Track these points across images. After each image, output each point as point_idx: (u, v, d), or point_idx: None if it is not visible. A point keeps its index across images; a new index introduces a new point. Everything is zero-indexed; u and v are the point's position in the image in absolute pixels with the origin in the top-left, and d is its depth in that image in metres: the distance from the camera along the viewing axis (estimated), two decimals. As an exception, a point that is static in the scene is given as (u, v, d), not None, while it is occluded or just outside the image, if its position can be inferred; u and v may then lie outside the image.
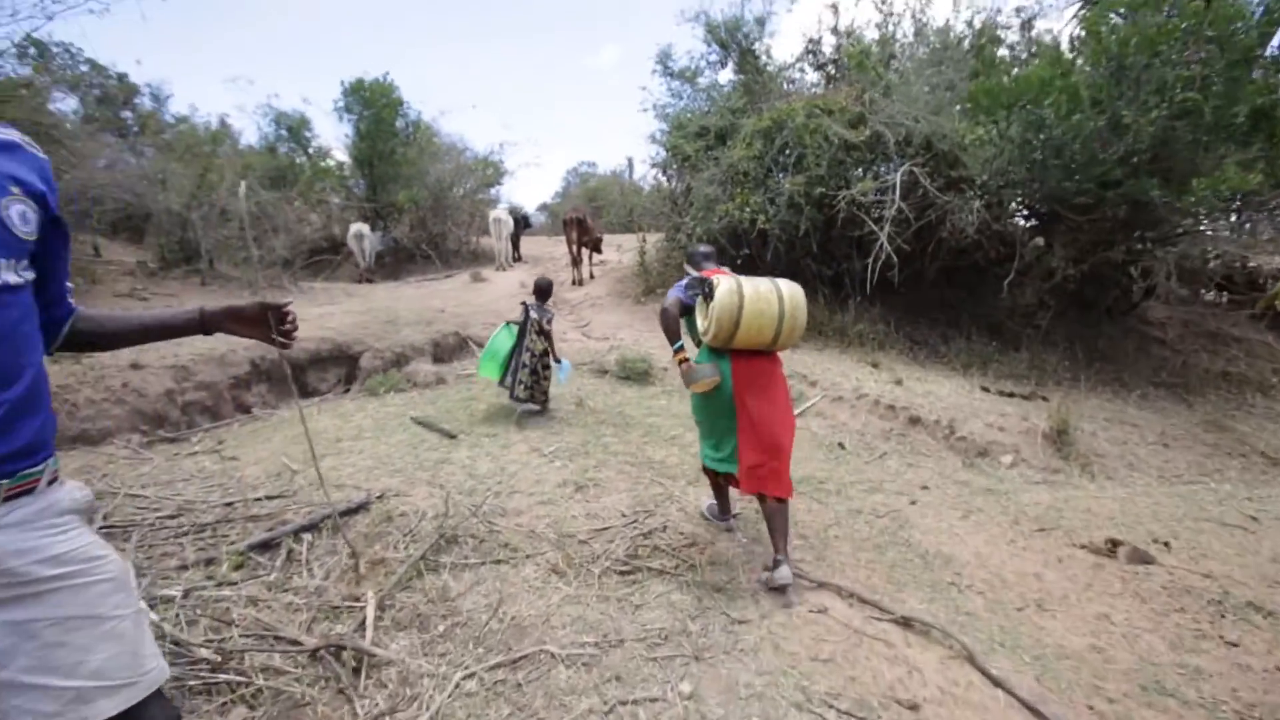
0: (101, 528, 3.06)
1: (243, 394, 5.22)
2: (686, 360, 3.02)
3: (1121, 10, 5.52)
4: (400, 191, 13.69)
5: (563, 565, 2.98)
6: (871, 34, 8.66)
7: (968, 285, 8.35)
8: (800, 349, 7.11)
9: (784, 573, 2.74)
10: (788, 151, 7.20)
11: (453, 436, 4.47)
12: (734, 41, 9.35)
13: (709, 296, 2.84)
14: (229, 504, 3.40)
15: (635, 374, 5.95)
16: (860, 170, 7.09)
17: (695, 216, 7.54)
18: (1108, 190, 5.76)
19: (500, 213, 13.34)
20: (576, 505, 3.59)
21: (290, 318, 1.46)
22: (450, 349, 6.67)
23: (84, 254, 9.28)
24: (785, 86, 9.11)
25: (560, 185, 38.61)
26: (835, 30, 8.99)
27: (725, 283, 2.77)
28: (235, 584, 2.70)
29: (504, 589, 2.78)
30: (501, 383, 4.99)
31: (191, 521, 3.20)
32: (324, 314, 7.33)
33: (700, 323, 2.99)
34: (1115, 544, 3.22)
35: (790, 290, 2.84)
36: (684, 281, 3.15)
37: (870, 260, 6.47)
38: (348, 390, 5.89)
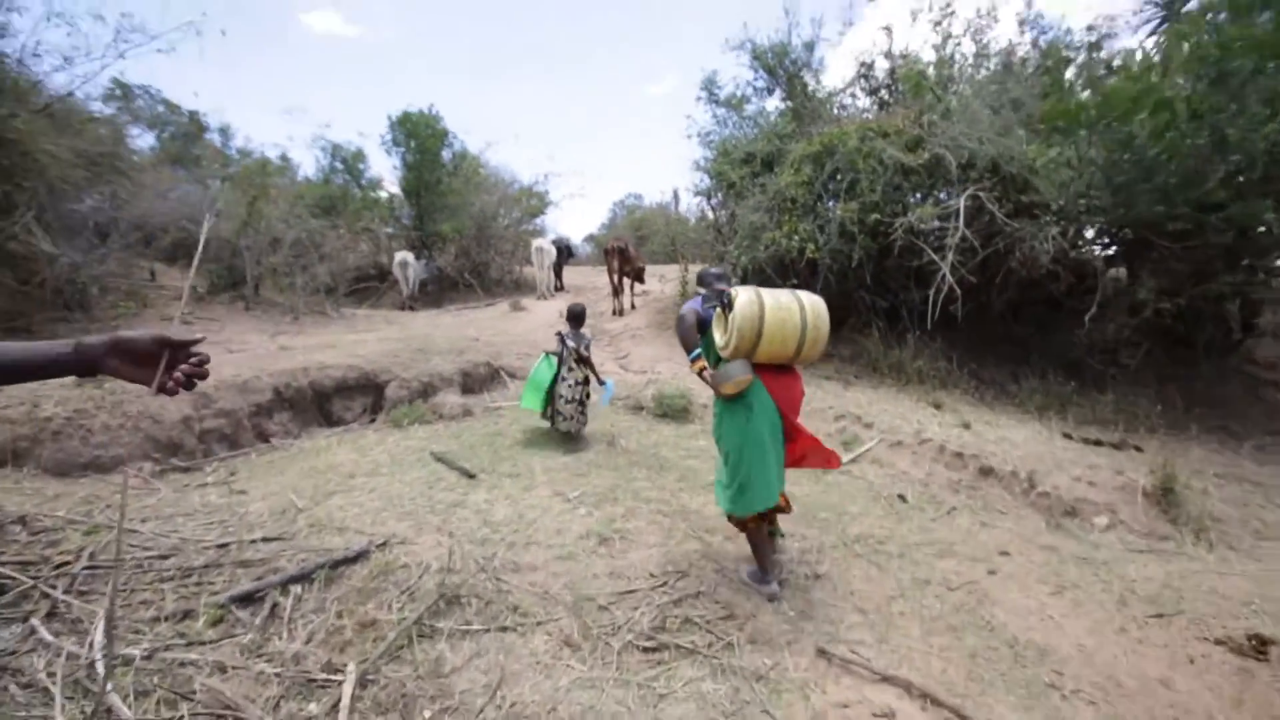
0: (86, 567, 2.82)
1: (264, 422, 5.05)
2: (707, 366, 2.91)
3: (1223, 13, 4.94)
4: (445, 221, 13.85)
5: (577, 637, 2.56)
6: (928, 55, 8.24)
7: (1037, 320, 7.64)
8: (853, 385, 6.57)
9: (773, 588, 2.84)
10: (839, 177, 6.79)
11: (472, 476, 4.14)
12: (781, 67, 9.08)
13: (727, 308, 2.71)
14: (223, 545, 3.13)
15: (673, 411, 5.54)
16: (918, 196, 6.60)
17: (740, 245, 7.17)
18: (1209, 215, 5.10)
19: (543, 242, 13.30)
20: (599, 561, 3.17)
21: (197, 359, 1.10)
22: (480, 380, 6.42)
23: (141, 279, 9.62)
24: (836, 112, 8.74)
25: (606, 217, 39.11)
26: (889, 54, 8.61)
27: (744, 293, 2.66)
28: (208, 644, 2.39)
29: (507, 664, 2.38)
30: (544, 415, 5.01)
31: (180, 564, 2.93)
32: (357, 340, 7.23)
33: (719, 337, 2.84)
34: (1263, 642, 2.58)
35: (812, 301, 2.74)
36: (699, 297, 3.05)
37: (931, 292, 5.92)
38: (373, 420, 5.68)
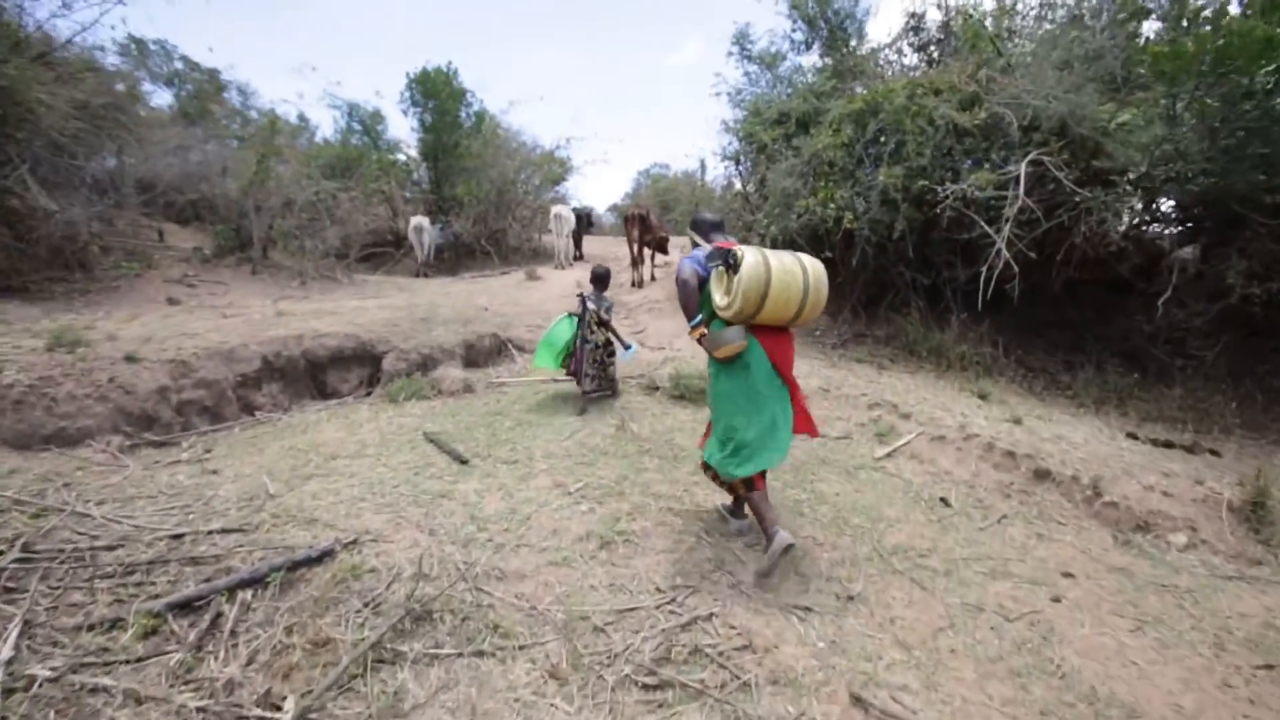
0: (17, 559, 2.50)
1: (251, 394, 4.73)
2: (706, 335, 2.78)
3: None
4: (460, 184, 13.38)
5: (566, 667, 2.16)
6: (988, 3, 7.41)
7: (1095, 302, 6.95)
8: (888, 370, 6.02)
9: (783, 535, 2.63)
10: (883, 139, 6.13)
11: (464, 462, 3.75)
12: (822, 19, 8.30)
13: (732, 268, 2.61)
14: (178, 536, 2.79)
15: (691, 393, 5.08)
16: (971, 161, 5.92)
17: (770, 214, 6.58)
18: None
19: (562, 209, 12.76)
20: (599, 570, 2.77)
21: None
22: (485, 352, 6.02)
23: (149, 240, 9.37)
24: (881, 68, 7.98)
25: (630, 186, 38.11)
26: (942, 4, 7.79)
27: (751, 254, 2.58)
28: (131, 663, 2.04)
29: (479, 701, 2.00)
30: (564, 369, 4.91)
31: (124, 559, 2.60)
32: (359, 308, 6.87)
33: (720, 297, 2.74)
34: None
35: (813, 264, 2.72)
36: (698, 252, 2.88)
37: (985, 269, 5.31)
38: (370, 393, 5.33)
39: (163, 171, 9.77)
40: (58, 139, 7.08)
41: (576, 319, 4.89)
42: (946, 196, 5.52)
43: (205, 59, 18.22)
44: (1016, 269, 5.20)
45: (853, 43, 8.58)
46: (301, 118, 17.57)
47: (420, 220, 12.32)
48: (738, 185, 9.53)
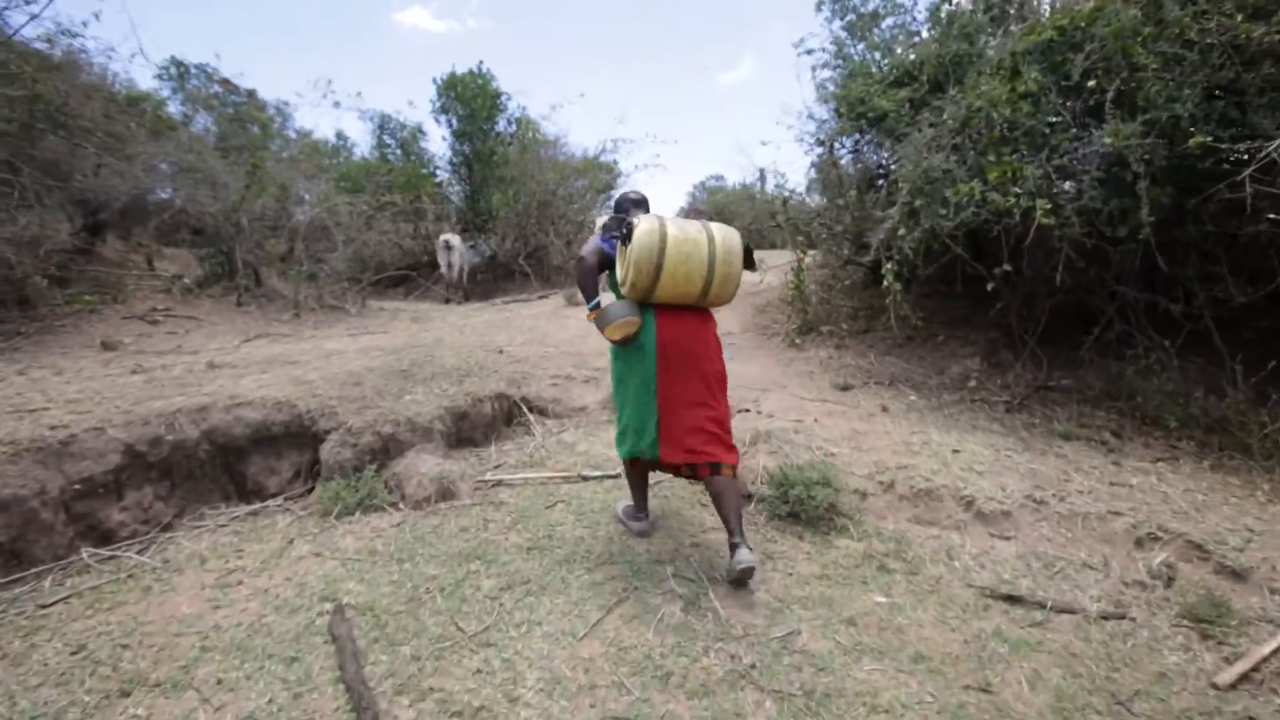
0: None
1: (101, 509, 2.96)
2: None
3: None
4: (495, 195, 11.77)
5: None
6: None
7: None
8: (1124, 453, 3.69)
9: (745, 555, 2.29)
10: (1093, 80, 3.87)
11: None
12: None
13: (626, 240, 2.37)
14: None
15: (810, 512, 2.96)
16: (1264, 103, 3.58)
17: (904, 210, 4.42)
18: None
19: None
20: None
21: None
22: (485, 423, 4.11)
23: (139, 266, 8.10)
24: None
25: (685, 200, 36.22)
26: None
27: (646, 220, 2.34)
28: None
29: None
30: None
31: None
32: (332, 353, 5.12)
33: (620, 271, 2.49)
34: None
35: (724, 232, 2.45)
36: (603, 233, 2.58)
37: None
38: (311, 489, 3.51)
39: (137, 190, 8.53)
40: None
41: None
42: (1243, 158, 3.22)
43: (242, 80, 17.49)
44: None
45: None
46: (340, 136, 16.58)
47: (449, 237, 10.74)
48: (836, 176, 7.36)
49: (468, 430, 3.96)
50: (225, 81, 17.03)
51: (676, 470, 2.54)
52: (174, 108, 14.77)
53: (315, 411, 3.62)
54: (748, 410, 4.27)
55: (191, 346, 5.68)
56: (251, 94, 17.60)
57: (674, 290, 2.36)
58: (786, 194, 6.13)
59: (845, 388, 4.79)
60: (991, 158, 4.07)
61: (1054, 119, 4.04)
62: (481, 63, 11.83)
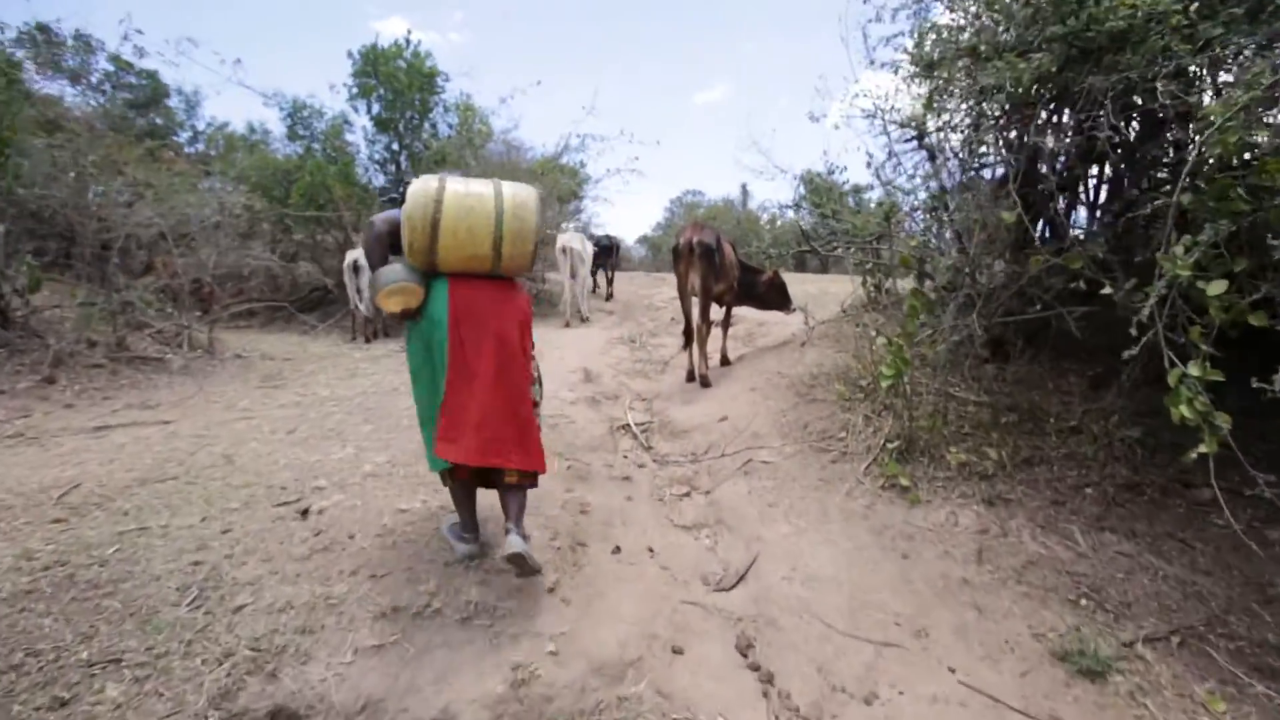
0: None
1: None
2: None
3: None
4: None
5: None
6: None
7: None
8: None
9: (515, 540, 2.04)
10: None
11: None
12: None
13: (404, 199, 2.08)
14: None
15: None
16: None
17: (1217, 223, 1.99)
18: None
19: (571, 239, 8.41)
20: None
21: None
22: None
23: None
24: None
25: (663, 216, 33.61)
26: None
27: (424, 178, 2.05)
28: None
29: None
30: None
31: None
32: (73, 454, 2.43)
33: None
34: None
35: (514, 188, 2.10)
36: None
37: None
38: None
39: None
40: None
41: None
42: None
43: (139, 56, 14.56)
44: None
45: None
46: (253, 128, 13.77)
47: (357, 255, 8.05)
48: (881, 174, 4.95)
49: None
50: (118, 59, 14.06)
51: (465, 474, 2.19)
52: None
53: None
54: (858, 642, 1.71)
55: None
56: (153, 75, 14.74)
57: (460, 253, 2.03)
58: (891, 197, 3.62)
59: (1098, 670, 1.92)
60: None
61: None
62: (411, 34, 9.20)
